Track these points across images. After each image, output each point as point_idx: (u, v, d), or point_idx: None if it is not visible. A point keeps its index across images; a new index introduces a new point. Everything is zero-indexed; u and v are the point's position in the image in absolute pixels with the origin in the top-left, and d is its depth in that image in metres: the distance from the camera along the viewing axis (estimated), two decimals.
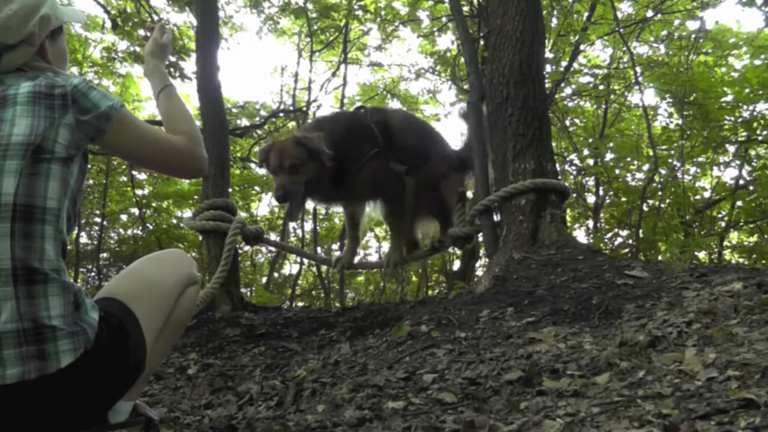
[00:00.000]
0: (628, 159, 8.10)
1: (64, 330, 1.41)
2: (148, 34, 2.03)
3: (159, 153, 1.69)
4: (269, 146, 3.86)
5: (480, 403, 1.95)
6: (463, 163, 4.45)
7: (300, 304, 9.62)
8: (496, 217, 4.10)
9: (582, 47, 8.06)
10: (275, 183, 3.75)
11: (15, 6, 1.60)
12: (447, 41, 9.03)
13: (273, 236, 9.89)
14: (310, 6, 8.42)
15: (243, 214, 9.47)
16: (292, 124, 9.41)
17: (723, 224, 8.16)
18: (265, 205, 11.08)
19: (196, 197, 8.42)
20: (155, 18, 7.46)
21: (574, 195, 8.16)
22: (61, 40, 1.76)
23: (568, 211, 7.71)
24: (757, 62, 7.47)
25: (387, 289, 9.65)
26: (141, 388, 1.83)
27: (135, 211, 9.39)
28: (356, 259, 4.63)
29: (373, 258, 10.14)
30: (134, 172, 8.69)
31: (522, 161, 3.89)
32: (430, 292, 8.82)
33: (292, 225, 10.18)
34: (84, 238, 9.53)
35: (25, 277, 1.39)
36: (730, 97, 7.58)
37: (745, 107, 7.60)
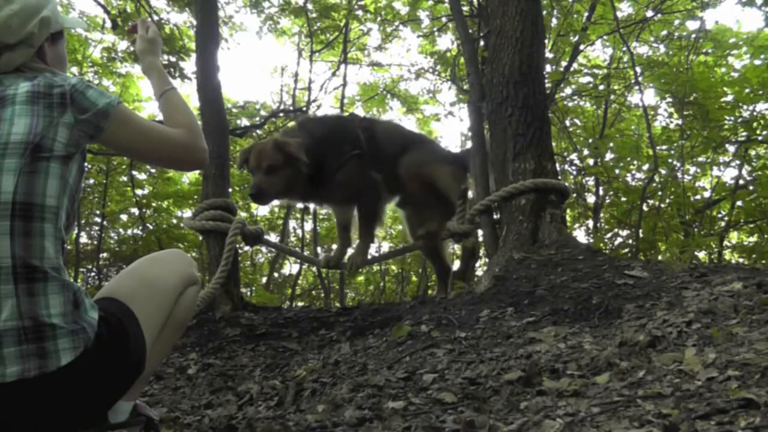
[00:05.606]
0: (628, 159, 8.08)
1: (64, 328, 1.41)
2: (134, 34, 2.04)
3: (158, 146, 1.70)
4: (250, 147, 4.18)
5: (480, 403, 1.95)
6: (463, 164, 4.45)
7: (300, 304, 9.60)
8: (496, 216, 4.11)
9: (582, 47, 8.05)
10: (252, 182, 4.05)
11: (16, 6, 1.61)
12: (447, 41, 9.02)
13: (273, 236, 9.92)
14: (310, 6, 8.42)
15: (243, 214, 9.46)
16: (291, 124, 9.41)
17: (723, 224, 8.14)
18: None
19: (196, 197, 8.40)
20: (155, 18, 7.46)
21: (574, 195, 8.14)
22: (61, 44, 1.77)
23: (568, 211, 7.69)
24: (757, 62, 7.46)
25: (387, 289, 9.64)
26: (141, 388, 1.84)
27: (135, 211, 9.36)
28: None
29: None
30: (134, 172, 8.68)
31: (522, 161, 3.89)
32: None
33: (291, 225, 10.21)
34: (84, 238, 9.51)
35: (25, 275, 1.39)
36: (730, 97, 7.56)
37: (745, 107, 7.58)
